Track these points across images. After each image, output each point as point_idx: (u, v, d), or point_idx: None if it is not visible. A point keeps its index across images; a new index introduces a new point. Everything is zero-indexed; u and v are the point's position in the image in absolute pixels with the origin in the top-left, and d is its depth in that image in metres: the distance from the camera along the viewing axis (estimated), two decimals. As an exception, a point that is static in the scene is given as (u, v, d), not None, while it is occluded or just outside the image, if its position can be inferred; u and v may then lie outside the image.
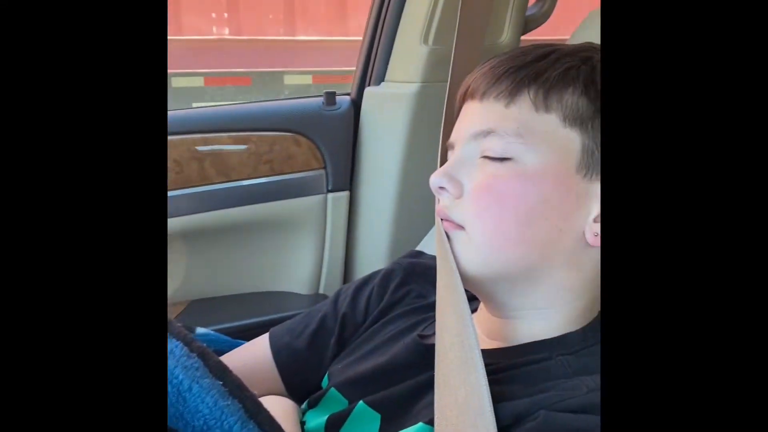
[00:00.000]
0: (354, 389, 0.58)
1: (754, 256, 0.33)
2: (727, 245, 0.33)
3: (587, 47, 0.56)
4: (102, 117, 0.34)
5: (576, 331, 0.53)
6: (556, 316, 0.54)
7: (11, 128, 0.32)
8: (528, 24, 1.22)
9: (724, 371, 0.33)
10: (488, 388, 0.45)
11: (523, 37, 1.21)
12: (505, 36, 1.19)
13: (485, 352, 0.52)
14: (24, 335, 0.31)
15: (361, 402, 0.56)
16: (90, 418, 0.32)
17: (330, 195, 1.21)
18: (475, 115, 0.55)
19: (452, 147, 0.57)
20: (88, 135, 0.34)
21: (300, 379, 0.66)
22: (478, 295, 0.58)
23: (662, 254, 0.35)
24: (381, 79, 1.22)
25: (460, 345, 0.48)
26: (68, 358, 0.32)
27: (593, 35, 0.82)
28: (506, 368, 0.52)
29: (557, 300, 0.54)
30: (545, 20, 1.24)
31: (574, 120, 0.52)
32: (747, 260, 0.33)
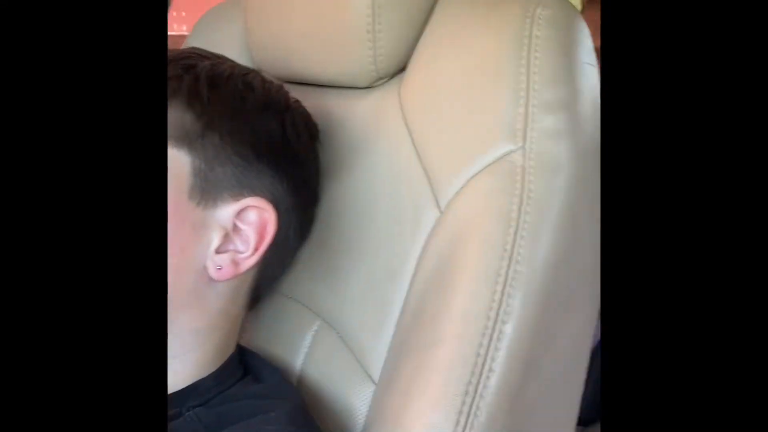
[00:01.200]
0: None
1: (755, 265, 0.32)
2: (724, 252, 0.33)
3: (190, 53, 0.48)
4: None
5: (208, 377, 0.47)
6: (185, 364, 0.47)
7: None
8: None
9: (724, 379, 0.32)
10: None
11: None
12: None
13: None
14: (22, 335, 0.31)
15: None
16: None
17: None
18: None
19: None
20: (88, 135, 0.33)
21: None
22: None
23: (662, 261, 0.34)
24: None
25: None
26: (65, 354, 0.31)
27: (210, 37, 0.76)
28: None
29: (184, 346, 0.47)
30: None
31: (180, 139, 0.45)
32: (745, 269, 0.33)
